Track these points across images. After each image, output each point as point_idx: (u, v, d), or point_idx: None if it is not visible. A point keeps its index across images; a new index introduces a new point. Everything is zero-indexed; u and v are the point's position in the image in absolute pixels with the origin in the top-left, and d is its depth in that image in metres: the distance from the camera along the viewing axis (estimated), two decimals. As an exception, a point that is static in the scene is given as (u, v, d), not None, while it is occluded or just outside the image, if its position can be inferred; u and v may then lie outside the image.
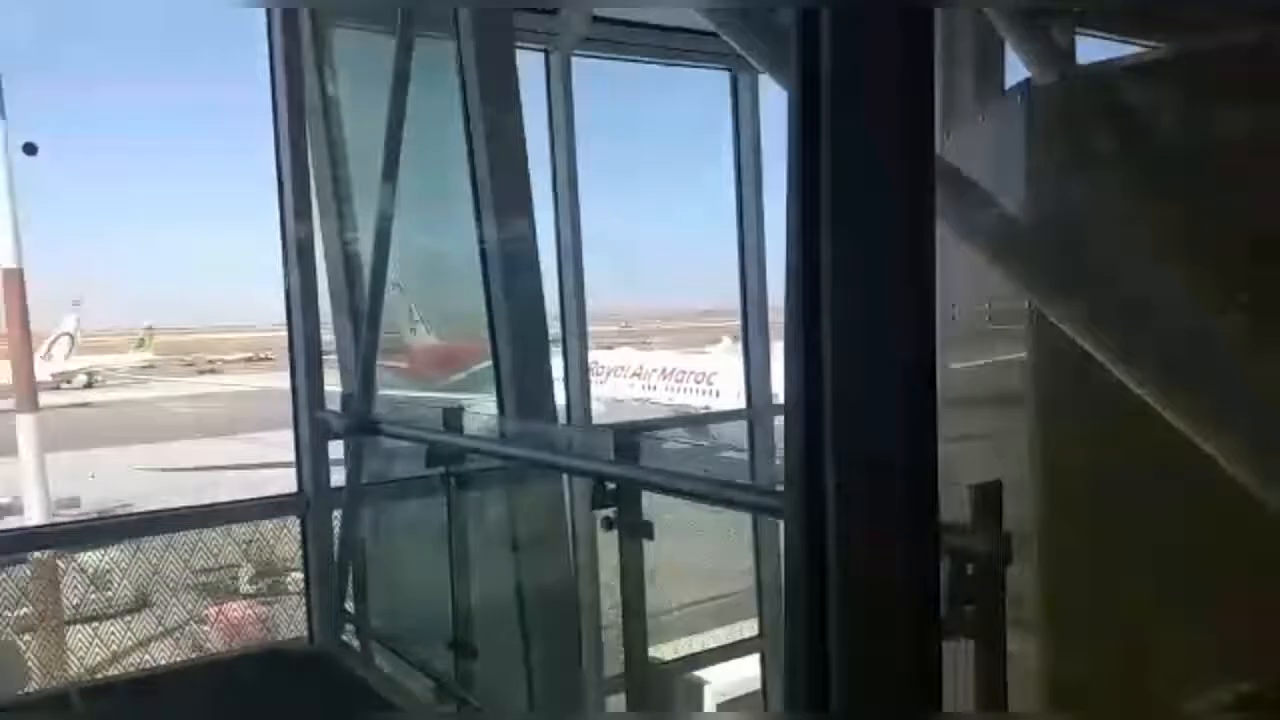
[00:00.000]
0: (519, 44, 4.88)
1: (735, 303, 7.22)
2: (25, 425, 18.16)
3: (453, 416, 3.90)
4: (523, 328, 4.41)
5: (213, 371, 48.41)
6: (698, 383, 26.89)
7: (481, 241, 4.33)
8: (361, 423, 4.17)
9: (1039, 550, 2.56)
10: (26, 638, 4.48)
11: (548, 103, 5.74)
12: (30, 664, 4.39)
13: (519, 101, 4.39)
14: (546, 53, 5.72)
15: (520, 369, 4.40)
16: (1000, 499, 1.70)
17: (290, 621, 4.72)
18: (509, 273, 4.34)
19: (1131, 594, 2.56)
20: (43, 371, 37.05)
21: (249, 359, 53.22)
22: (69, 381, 36.21)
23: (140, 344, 43.62)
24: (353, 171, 4.93)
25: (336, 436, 4.39)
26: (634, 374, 28.34)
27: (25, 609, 4.41)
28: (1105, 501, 2.60)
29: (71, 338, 36.64)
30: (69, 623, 4.59)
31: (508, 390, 4.39)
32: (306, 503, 4.47)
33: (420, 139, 4.26)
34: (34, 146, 15.46)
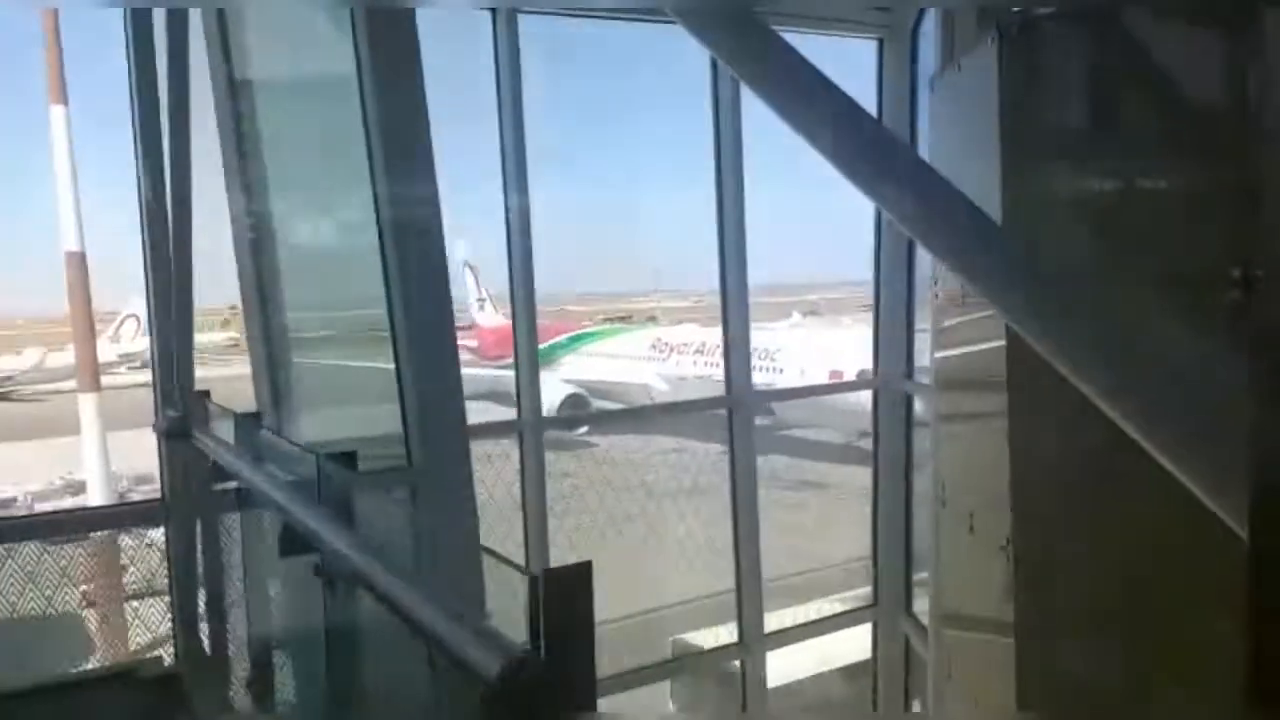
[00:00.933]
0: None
1: (803, 277, 6.64)
2: (87, 404, 18.46)
3: (244, 426, 3.31)
4: (423, 315, 3.79)
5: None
6: (761, 360, 26.22)
7: (379, 225, 3.69)
8: (172, 426, 3.68)
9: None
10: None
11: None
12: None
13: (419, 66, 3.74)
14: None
15: (422, 365, 3.79)
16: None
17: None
18: (410, 259, 3.73)
19: None
20: (111, 353, 38.36)
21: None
22: (137, 362, 37.13)
23: (225, 323, 44.76)
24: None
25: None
26: (697, 350, 27.77)
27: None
28: None
29: (138, 319, 37.55)
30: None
31: (407, 388, 3.77)
32: (167, 512, 3.98)
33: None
34: None
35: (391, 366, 3.92)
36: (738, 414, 6.10)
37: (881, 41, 6.28)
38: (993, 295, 2.38)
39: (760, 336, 28.47)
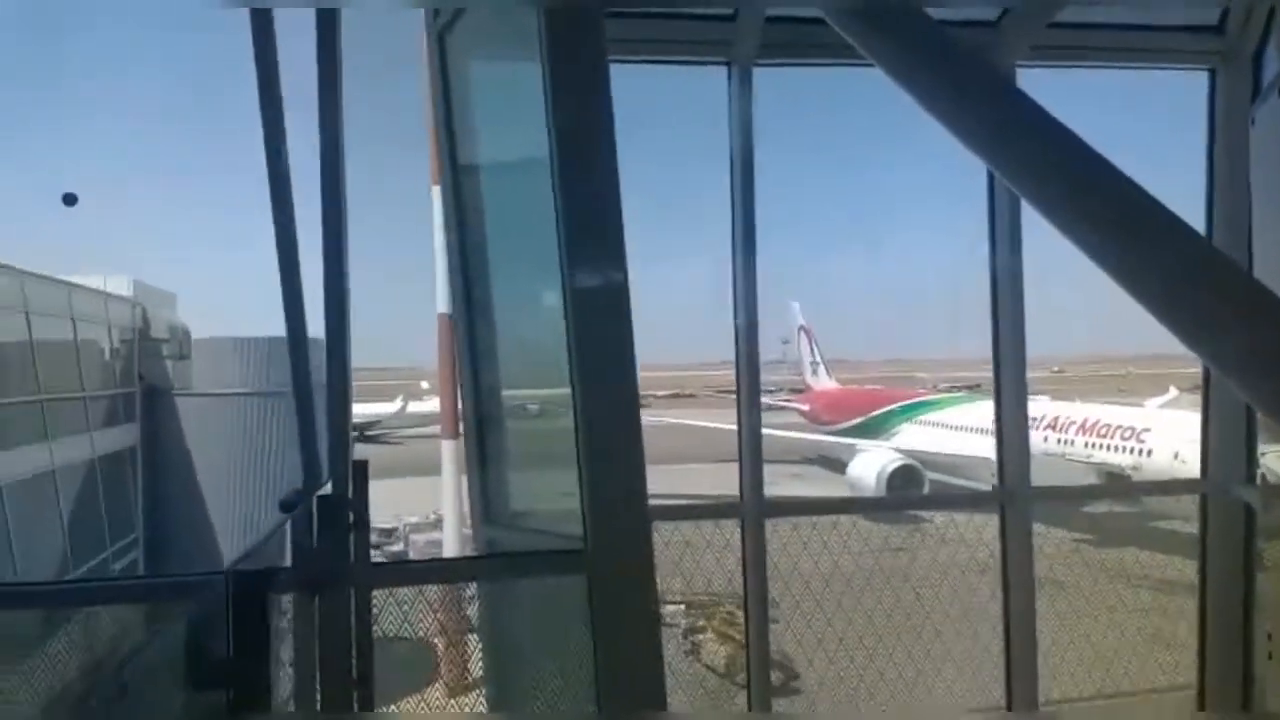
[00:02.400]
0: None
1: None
2: (447, 450, 20.63)
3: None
4: (606, 397, 3.49)
5: (644, 405, 52.88)
6: (1124, 439, 23.11)
7: (564, 283, 3.49)
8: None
9: None
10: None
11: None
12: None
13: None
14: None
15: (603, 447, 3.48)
16: None
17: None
18: (593, 336, 3.48)
19: None
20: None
21: (675, 395, 57.92)
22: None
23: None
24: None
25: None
26: (1048, 425, 25.16)
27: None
28: None
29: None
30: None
31: (588, 470, 3.46)
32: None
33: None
34: (73, 197, 17.47)
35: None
36: (1011, 510, 5.11)
37: (1213, 71, 5.18)
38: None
39: (1126, 414, 25.19)
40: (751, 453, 4.98)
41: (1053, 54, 5.32)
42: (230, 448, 18.22)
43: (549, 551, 3.86)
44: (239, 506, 17.56)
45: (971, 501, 11.91)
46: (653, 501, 3.73)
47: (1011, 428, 5.19)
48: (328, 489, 3.03)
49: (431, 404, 46.19)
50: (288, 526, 2.85)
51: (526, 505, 4.59)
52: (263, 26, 3.29)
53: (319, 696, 2.71)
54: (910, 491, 25.12)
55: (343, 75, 3.63)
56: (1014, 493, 5.15)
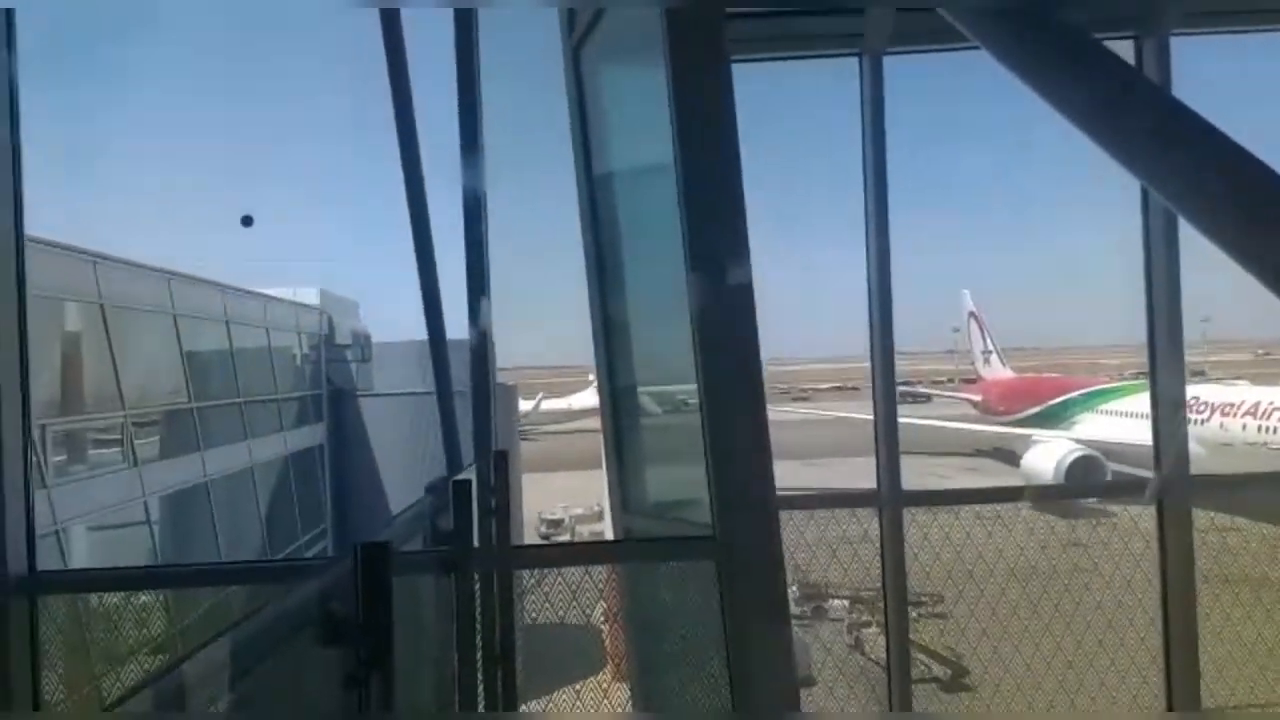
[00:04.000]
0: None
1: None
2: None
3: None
4: (730, 389, 3.57)
5: (804, 399, 52.25)
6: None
7: (688, 281, 3.60)
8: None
9: None
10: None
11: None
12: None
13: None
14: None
15: (730, 438, 3.56)
16: None
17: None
18: (718, 333, 3.56)
19: None
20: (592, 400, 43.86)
21: (837, 388, 56.70)
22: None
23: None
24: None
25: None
26: (1248, 412, 23.18)
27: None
28: None
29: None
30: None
31: (715, 461, 3.55)
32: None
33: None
34: (249, 219, 18.08)
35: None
36: (1169, 500, 4.82)
37: None
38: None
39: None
40: (887, 441, 4.94)
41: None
42: (408, 443, 19.39)
43: (679, 538, 4.00)
44: (415, 495, 18.63)
45: (1121, 491, 11.19)
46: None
47: (1167, 413, 4.89)
48: (468, 476, 3.28)
49: (565, 402, 47.46)
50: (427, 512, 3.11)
51: (662, 495, 4.74)
52: (393, 27, 3.54)
53: (456, 670, 2.96)
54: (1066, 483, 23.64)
55: (480, 81, 3.85)
56: (1172, 481, 4.85)
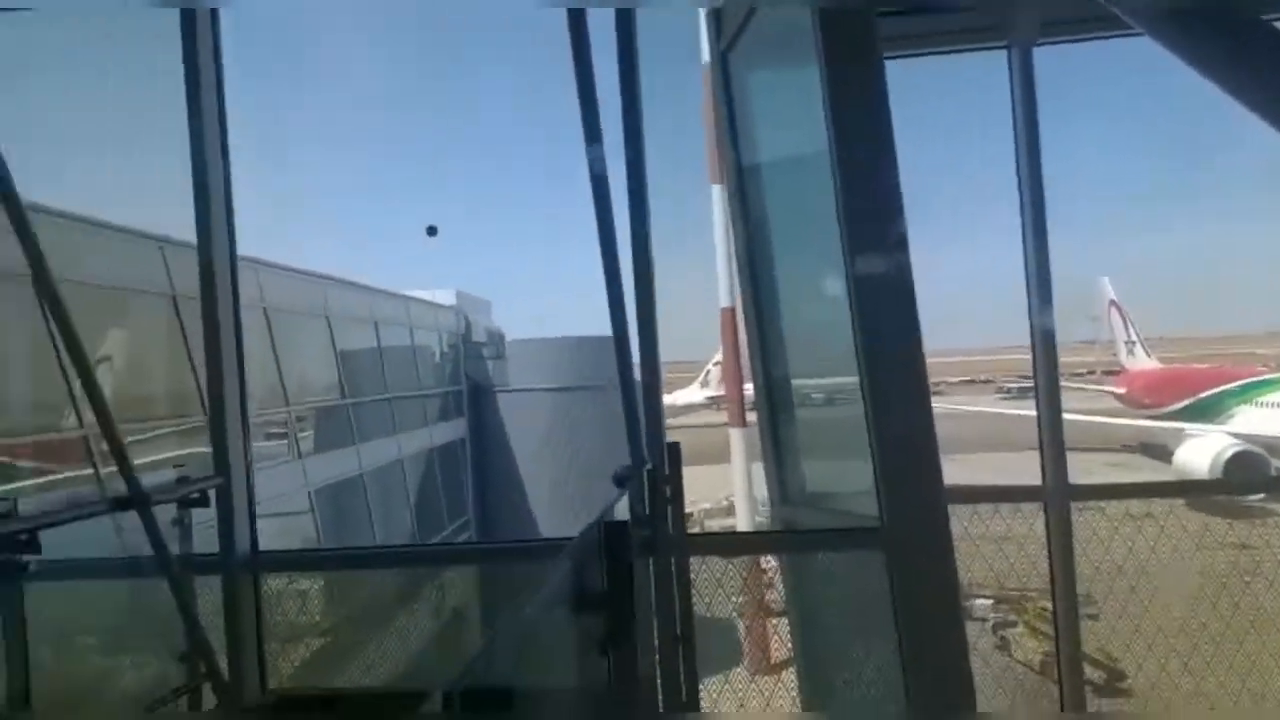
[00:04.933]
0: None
1: None
2: (736, 438, 21.23)
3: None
4: (895, 380, 3.63)
5: (936, 393, 50.81)
6: None
7: (848, 273, 3.67)
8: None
9: None
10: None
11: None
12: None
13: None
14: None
15: (895, 428, 3.62)
16: None
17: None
18: (880, 325, 3.64)
19: None
20: (700, 395, 43.41)
21: (968, 381, 54.94)
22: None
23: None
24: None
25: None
26: None
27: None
28: None
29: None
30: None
31: (880, 450, 3.61)
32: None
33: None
34: (434, 229, 18.30)
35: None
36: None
37: None
38: None
39: None
40: (1052, 434, 4.87)
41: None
42: (542, 437, 20.03)
43: (846, 529, 4.09)
44: (551, 488, 19.26)
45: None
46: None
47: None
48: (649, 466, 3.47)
49: (670, 398, 47.27)
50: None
51: (822, 486, 4.83)
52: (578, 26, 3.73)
53: (656, 647, 3.17)
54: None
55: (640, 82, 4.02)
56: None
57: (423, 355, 20.22)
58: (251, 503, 4.11)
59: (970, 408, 36.61)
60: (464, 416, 20.88)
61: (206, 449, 4.03)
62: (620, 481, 3.15)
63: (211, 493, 3.89)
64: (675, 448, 3.70)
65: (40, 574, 3.18)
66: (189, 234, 4.03)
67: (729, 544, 4.21)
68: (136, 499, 3.36)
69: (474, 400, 21.09)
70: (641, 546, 3.17)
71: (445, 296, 22.13)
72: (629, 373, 3.64)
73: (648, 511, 3.11)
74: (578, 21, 3.60)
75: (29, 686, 3.10)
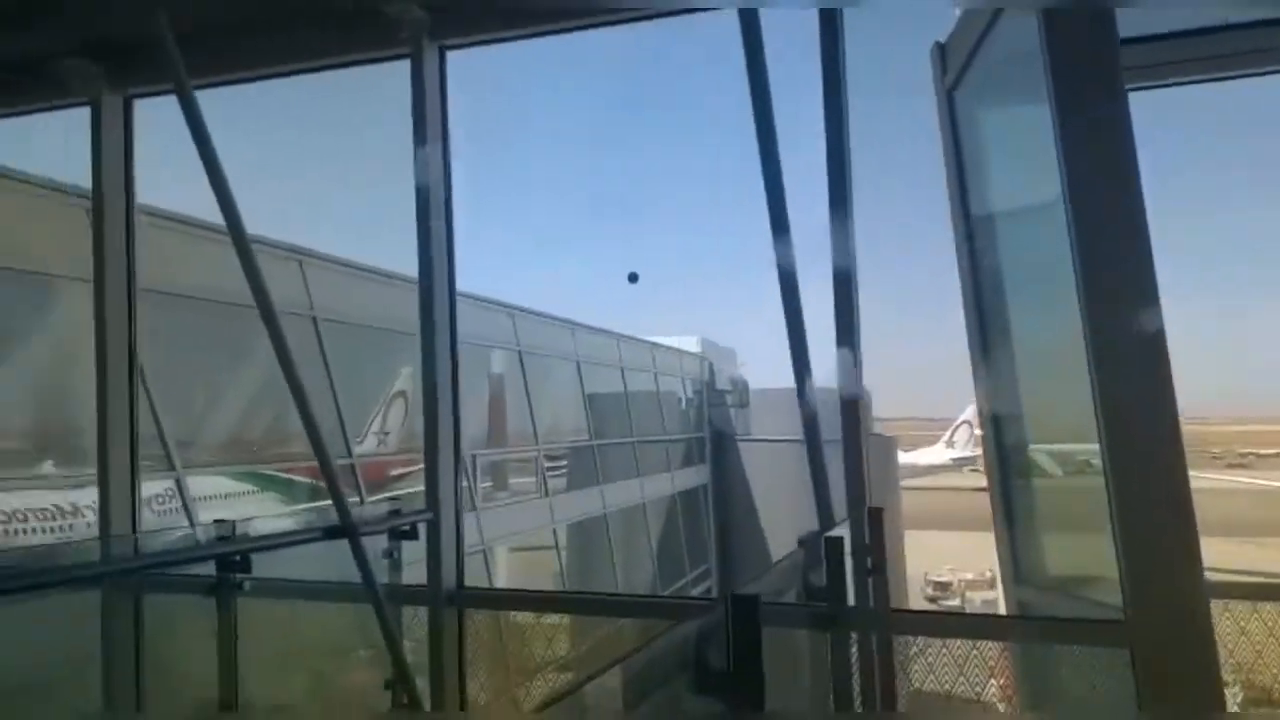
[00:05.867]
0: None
1: None
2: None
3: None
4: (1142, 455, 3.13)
5: (1242, 465, 44.87)
6: None
7: (1086, 329, 3.23)
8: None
9: None
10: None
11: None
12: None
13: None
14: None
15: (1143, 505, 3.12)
16: None
17: None
18: (1121, 366, 3.17)
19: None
20: (944, 456, 39.84)
21: (1280, 454, 47.99)
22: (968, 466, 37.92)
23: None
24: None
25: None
26: None
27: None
28: None
29: (970, 425, 38.68)
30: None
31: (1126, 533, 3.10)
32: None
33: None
34: (635, 276, 17.46)
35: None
36: None
37: None
38: None
39: None
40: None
41: None
42: (786, 488, 19.63)
43: (1085, 620, 3.56)
44: (794, 540, 18.75)
45: None
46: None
47: None
48: (842, 531, 3.20)
49: (911, 457, 44.11)
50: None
51: (1063, 568, 4.28)
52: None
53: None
54: None
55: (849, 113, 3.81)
56: None
57: (667, 401, 20.60)
58: (460, 539, 4.24)
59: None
60: (706, 463, 20.97)
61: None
62: (804, 545, 2.92)
63: (421, 528, 4.06)
64: (877, 513, 3.40)
65: (257, 591, 3.45)
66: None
67: (939, 625, 3.78)
68: (348, 529, 3.56)
69: (716, 447, 21.14)
70: (816, 620, 2.91)
71: (691, 344, 22.49)
72: (815, 428, 3.40)
73: (827, 581, 2.85)
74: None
75: (238, 698, 3.35)
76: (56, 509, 8.04)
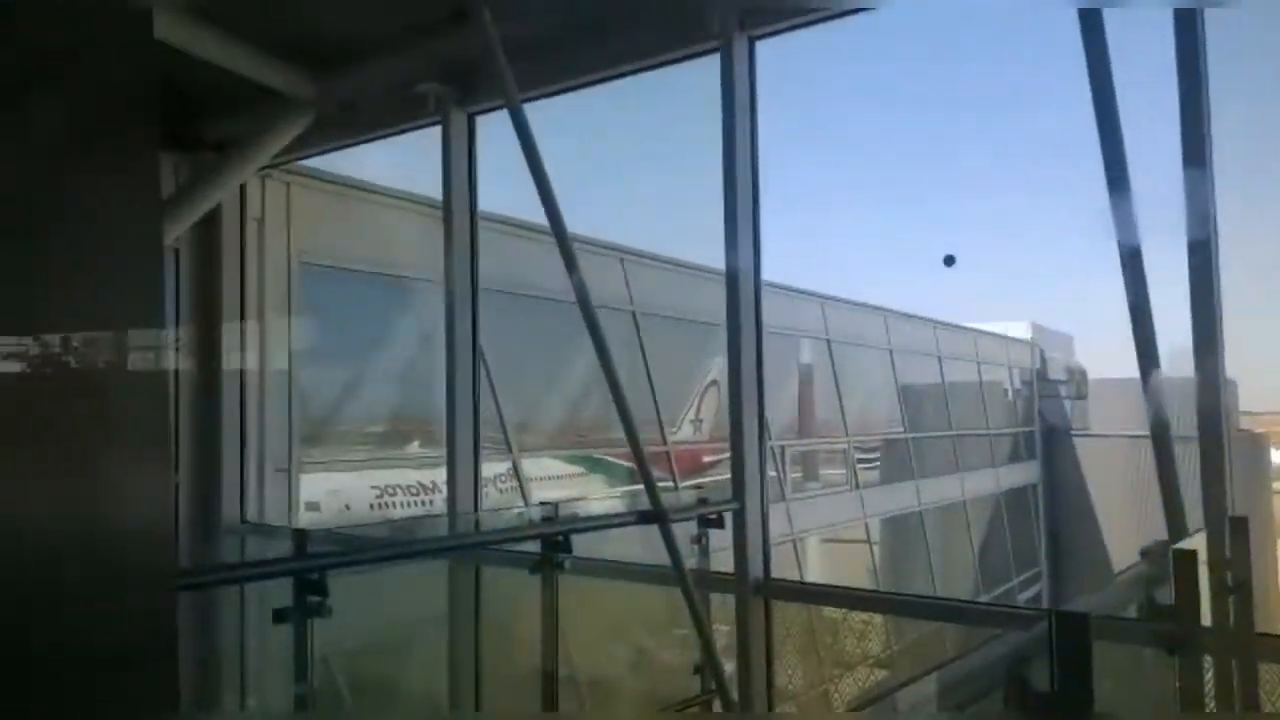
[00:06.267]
0: None
1: None
2: None
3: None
4: None
5: None
6: None
7: None
8: None
9: None
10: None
11: None
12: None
13: None
14: None
15: None
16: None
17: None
18: None
19: None
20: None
21: None
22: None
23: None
24: None
25: None
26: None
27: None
28: None
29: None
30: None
31: None
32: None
33: None
34: (952, 259, 14.65)
35: None
36: None
37: None
38: None
39: None
40: None
41: None
42: (1130, 489, 17.62)
43: None
44: (1139, 548, 16.81)
45: None
46: None
47: None
48: (1195, 542, 2.80)
49: None
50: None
51: None
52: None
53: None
54: None
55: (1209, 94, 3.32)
56: None
57: (990, 392, 19.27)
58: (766, 530, 4.24)
59: None
60: (1036, 460, 19.38)
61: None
62: (1146, 554, 2.58)
63: (728, 517, 4.12)
64: (1241, 522, 2.94)
65: (577, 569, 3.69)
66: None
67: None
68: (659, 515, 3.70)
69: (1048, 443, 19.45)
70: (1161, 642, 2.55)
71: (1020, 329, 20.84)
72: (1163, 423, 2.99)
73: (1175, 599, 2.48)
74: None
75: (557, 669, 3.59)
76: (420, 485, 9.19)
